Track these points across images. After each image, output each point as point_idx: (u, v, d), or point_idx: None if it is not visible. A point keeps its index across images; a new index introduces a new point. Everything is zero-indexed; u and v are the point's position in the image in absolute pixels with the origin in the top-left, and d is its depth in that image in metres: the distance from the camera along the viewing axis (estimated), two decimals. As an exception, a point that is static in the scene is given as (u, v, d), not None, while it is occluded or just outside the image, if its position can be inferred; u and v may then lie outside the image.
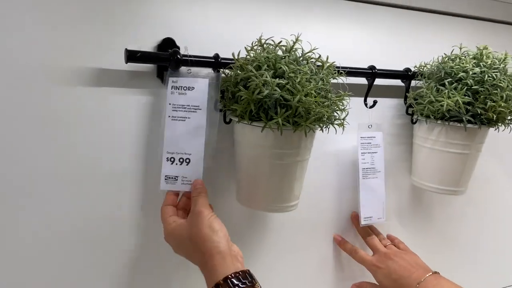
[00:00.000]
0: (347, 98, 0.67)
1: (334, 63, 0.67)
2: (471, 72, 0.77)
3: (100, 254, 0.68)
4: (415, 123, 0.88)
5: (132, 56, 0.61)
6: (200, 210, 0.61)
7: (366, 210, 0.84)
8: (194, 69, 0.65)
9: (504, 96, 0.77)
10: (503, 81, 0.78)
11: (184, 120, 0.64)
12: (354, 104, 0.76)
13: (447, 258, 1.04)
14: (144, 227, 0.70)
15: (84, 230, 0.66)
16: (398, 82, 0.89)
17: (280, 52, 0.65)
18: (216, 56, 0.66)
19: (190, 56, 0.63)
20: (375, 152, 0.85)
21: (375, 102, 0.83)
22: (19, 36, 0.59)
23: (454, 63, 0.80)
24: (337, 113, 0.66)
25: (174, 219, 0.63)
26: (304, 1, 0.78)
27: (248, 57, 0.65)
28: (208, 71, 0.68)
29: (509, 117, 0.82)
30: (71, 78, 0.62)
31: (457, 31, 0.96)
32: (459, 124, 0.80)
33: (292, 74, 0.60)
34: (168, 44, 0.67)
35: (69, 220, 0.65)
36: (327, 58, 0.68)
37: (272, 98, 0.60)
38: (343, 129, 0.67)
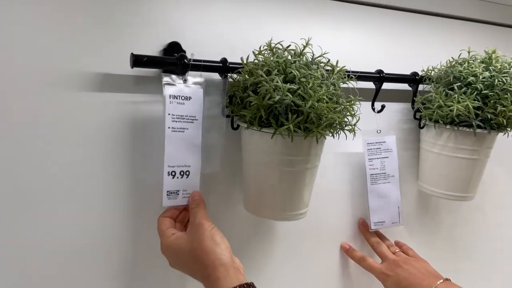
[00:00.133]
0: (358, 103, 0.65)
1: (344, 67, 0.66)
2: (481, 77, 0.76)
3: (93, 268, 0.65)
4: (422, 128, 0.87)
5: (138, 60, 0.59)
6: (201, 222, 0.59)
7: (377, 215, 0.83)
8: (189, 77, 0.63)
9: (515, 100, 0.76)
10: (513, 85, 0.77)
11: (183, 132, 0.62)
12: (360, 108, 0.74)
13: (454, 264, 1.02)
14: (140, 238, 0.68)
15: (78, 244, 0.63)
16: (404, 86, 0.88)
17: (288, 56, 0.64)
18: (224, 60, 0.65)
19: (195, 60, 0.62)
20: (385, 157, 0.84)
21: (383, 107, 0.82)
22: (22, 41, 0.57)
23: (463, 67, 0.79)
24: (347, 118, 0.65)
25: (172, 231, 0.61)
26: (309, 4, 0.77)
27: (256, 61, 0.64)
28: (203, 79, 0.64)
29: (519, 122, 0.81)
30: (75, 84, 0.60)
31: (462, 35, 0.95)
32: (468, 129, 0.78)
33: (303, 79, 0.59)
34: (173, 48, 0.65)
35: (62, 233, 0.62)
36: (337, 63, 0.66)
37: (283, 104, 0.58)
38: (354, 134, 0.65)
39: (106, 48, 0.61)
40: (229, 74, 0.65)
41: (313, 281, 0.85)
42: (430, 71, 0.85)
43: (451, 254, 1.02)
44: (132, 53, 0.59)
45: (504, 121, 0.77)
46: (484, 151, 0.82)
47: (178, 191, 0.63)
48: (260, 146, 0.63)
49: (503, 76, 0.77)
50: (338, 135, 0.64)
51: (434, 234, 0.99)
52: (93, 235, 0.64)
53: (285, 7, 0.75)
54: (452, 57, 0.84)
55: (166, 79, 0.60)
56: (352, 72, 0.70)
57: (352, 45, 0.83)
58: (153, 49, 0.64)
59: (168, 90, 0.60)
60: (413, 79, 0.85)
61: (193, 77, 0.63)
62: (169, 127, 0.61)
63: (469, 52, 0.82)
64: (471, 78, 0.77)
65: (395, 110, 0.89)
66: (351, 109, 0.64)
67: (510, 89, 0.76)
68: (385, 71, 0.80)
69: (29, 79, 0.57)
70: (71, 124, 0.61)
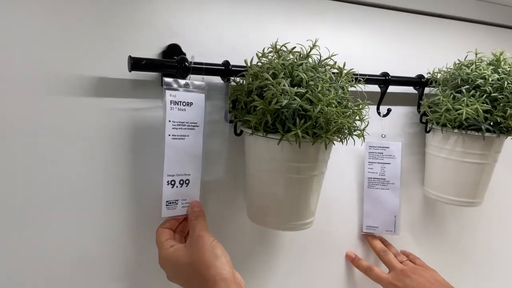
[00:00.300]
0: (366, 107, 0.62)
1: (352, 70, 0.63)
2: (490, 79, 0.74)
3: (92, 281, 0.62)
4: (428, 132, 0.84)
5: (137, 64, 0.56)
6: (200, 235, 0.56)
7: (370, 219, 0.83)
8: (191, 81, 0.59)
9: (525, 103, 0.74)
10: (523, 88, 0.75)
11: (184, 139, 0.59)
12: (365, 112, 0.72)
13: (461, 272, 1.00)
14: (138, 251, 0.64)
15: (72, 258, 0.60)
16: (409, 89, 0.85)
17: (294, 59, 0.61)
18: (226, 63, 0.62)
19: (196, 63, 0.58)
20: (387, 163, 0.81)
21: (389, 111, 0.79)
22: (15, 43, 0.53)
23: (471, 69, 0.77)
24: (355, 123, 0.62)
25: (171, 243, 0.58)
26: (311, 5, 0.74)
27: (259, 63, 0.61)
28: (205, 83, 0.61)
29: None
30: (69, 88, 0.56)
31: (468, 36, 0.93)
32: (477, 133, 0.76)
33: (311, 82, 0.56)
34: (173, 51, 0.62)
35: (59, 244, 0.59)
36: (344, 65, 0.63)
37: (290, 108, 0.55)
38: (363, 140, 0.63)
39: (102, 50, 0.58)
40: (231, 78, 0.62)
41: (317, 292, 0.82)
42: (436, 74, 0.82)
43: (456, 261, 1.00)
44: (130, 56, 0.56)
45: (514, 124, 0.74)
46: (492, 155, 0.80)
47: (177, 200, 0.60)
48: (265, 152, 0.60)
49: (513, 78, 0.75)
50: (347, 140, 0.61)
51: (440, 240, 0.97)
52: (88, 248, 0.60)
53: (287, 7, 0.72)
54: (458, 59, 0.82)
55: (166, 83, 0.57)
56: (356, 75, 0.67)
57: (355, 47, 0.80)
58: (152, 51, 0.61)
59: (169, 96, 0.57)
60: (419, 82, 0.83)
61: (195, 81, 0.59)
62: (169, 135, 0.57)
63: (476, 54, 0.80)
64: (479, 81, 0.75)
65: (400, 114, 0.87)
66: (360, 113, 0.61)
67: (520, 91, 0.74)
68: (389, 74, 0.78)
69: (21, 83, 0.54)
70: (65, 132, 0.57)
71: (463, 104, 0.74)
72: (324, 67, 0.62)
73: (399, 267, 0.78)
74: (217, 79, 0.64)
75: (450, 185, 0.82)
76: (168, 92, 0.57)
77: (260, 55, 0.62)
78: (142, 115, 0.61)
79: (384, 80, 0.77)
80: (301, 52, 0.62)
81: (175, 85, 0.58)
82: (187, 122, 0.59)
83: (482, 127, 0.75)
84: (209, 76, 0.62)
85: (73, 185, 0.58)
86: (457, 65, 0.81)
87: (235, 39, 0.67)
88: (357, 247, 0.85)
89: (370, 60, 0.81)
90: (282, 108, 0.55)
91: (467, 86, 0.76)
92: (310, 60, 0.62)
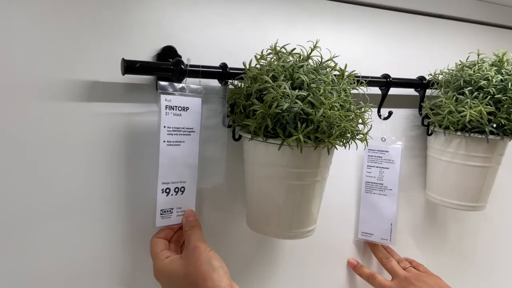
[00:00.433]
0: (369, 110, 0.60)
1: (354, 72, 0.61)
2: (494, 80, 0.72)
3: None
4: (430, 134, 0.82)
5: (130, 67, 0.53)
6: (196, 245, 0.54)
7: (366, 225, 0.81)
8: (187, 85, 0.57)
9: (529, 105, 0.73)
10: (527, 89, 0.73)
11: (179, 145, 0.57)
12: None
13: (463, 276, 0.98)
14: (134, 261, 0.62)
15: (68, 265, 0.57)
16: (410, 91, 0.83)
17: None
18: (224, 65, 0.59)
19: (193, 66, 0.56)
20: (386, 168, 0.79)
21: (390, 113, 0.77)
22: (4, 49, 0.50)
23: (473, 70, 0.75)
24: (358, 126, 0.60)
25: (167, 254, 0.56)
26: (310, 5, 0.72)
27: (258, 66, 0.59)
28: (201, 87, 0.59)
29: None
30: (60, 93, 0.54)
31: (468, 37, 0.91)
32: (480, 136, 0.74)
33: (313, 85, 0.54)
34: (168, 53, 0.59)
35: (49, 256, 0.56)
36: (345, 67, 0.61)
37: (291, 112, 0.53)
38: (367, 144, 0.60)
39: (94, 53, 0.55)
40: (230, 81, 0.60)
41: (319, 300, 0.79)
42: (437, 75, 0.81)
43: (458, 266, 0.98)
44: (123, 59, 0.53)
45: (519, 126, 0.73)
46: (496, 158, 0.78)
47: (172, 209, 0.58)
48: (265, 158, 0.58)
49: (517, 79, 0.73)
50: (349, 145, 0.59)
51: (442, 244, 0.95)
52: (78, 260, 0.58)
53: (286, 7, 0.70)
54: (460, 60, 0.80)
55: (161, 87, 0.54)
56: (358, 77, 0.65)
57: (355, 47, 0.78)
58: (146, 54, 0.59)
59: (164, 101, 0.54)
60: (421, 84, 0.81)
61: (191, 85, 0.57)
62: (164, 141, 0.55)
63: (478, 55, 0.78)
64: (482, 82, 0.73)
65: (401, 116, 0.85)
66: (363, 116, 0.59)
67: (525, 93, 0.72)
68: (390, 75, 0.76)
69: (12, 89, 0.51)
70: (56, 138, 0.54)
71: (466, 106, 0.72)
72: (326, 69, 0.60)
73: (402, 274, 0.76)
74: (215, 82, 0.61)
75: (453, 189, 0.80)
76: (163, 97, 0.54)
77: (258, 57, 0.60)
78: (136, 120, 0.59)
79: (385, 82, 0.75)
80: (301, 54, 0.60)
81: (170, 89, 0.55)
82: (182, 128, 0.57)
83: (486, 129, 0.73)
84: (206, 79, 0.60)
85: (63, 193, 0.55)
86: (459, 66, 0.79)
87: (233, 40, 0.65)
88: (359, 253, 0.83)
89: (370, 61, 0.79)
90: (283, 112, 0.53)
91: (470, 88, 0.74)
92: (311, 62, 0.60)
